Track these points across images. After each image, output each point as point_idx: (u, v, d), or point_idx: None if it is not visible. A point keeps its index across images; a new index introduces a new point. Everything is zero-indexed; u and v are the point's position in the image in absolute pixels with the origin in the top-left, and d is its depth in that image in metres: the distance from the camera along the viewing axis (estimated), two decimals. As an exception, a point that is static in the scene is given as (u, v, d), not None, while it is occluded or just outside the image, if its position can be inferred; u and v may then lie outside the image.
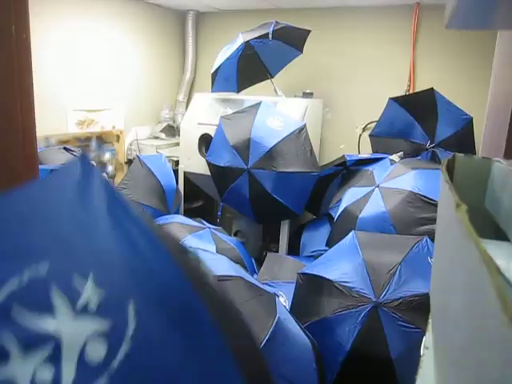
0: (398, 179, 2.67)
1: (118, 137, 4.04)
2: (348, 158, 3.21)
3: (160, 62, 4.45)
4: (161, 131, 4.36)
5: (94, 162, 3.47)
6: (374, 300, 1.92)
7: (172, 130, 4.46)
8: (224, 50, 3.64)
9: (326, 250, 2.54)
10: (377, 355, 1.86)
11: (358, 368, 1.92)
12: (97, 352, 0.51)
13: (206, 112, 3.71)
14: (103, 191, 0.63)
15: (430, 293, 0.62)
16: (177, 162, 3.91)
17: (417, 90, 3.56)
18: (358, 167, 3.15)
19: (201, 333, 0.58)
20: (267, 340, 1.55)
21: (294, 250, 3.42)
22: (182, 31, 4.62)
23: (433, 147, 3.04)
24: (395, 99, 3.18)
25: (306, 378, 1.74)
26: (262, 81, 3.73)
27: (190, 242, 2.77)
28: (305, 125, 3.18)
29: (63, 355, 0.49)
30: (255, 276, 2.70)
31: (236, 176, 3.10)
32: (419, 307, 1.84)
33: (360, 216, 2.60)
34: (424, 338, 0.58)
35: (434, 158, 3.02)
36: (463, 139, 2.99)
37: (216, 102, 3.77)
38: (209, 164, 3.32)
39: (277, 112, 3.36)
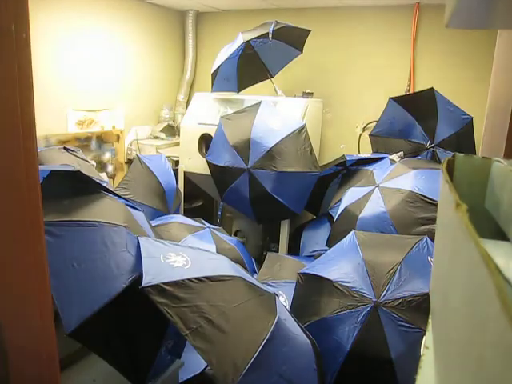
0: (398, 179, 2.66)
1: (117, 137, 4.04)
2: (348, 158, 3.21)
3: (160, 62, 4.45)
4: (161, 131, 4.36)
5: (93, 162, 3.47)
6: (374, 300, 1.92)
7: (172, 130, 4.46)
8: (224, 50, 3.64)
9: (325, 250, 2.54)
10: (377, 355, 1.86)
11: (357, 368, 1.92)
12: None
13: (206, 112, 3.71)
14: None
15: (429, 292, 0.62)
16: (177, 162, 3.91)
17: (417, 90, 3.56)
18: (358, 167, 3.15)
19: None
20: (267, 340, 1.55)
21: (294, 250, 3.42)
22: (182, 31, 4.62)
23: (433, 147, 3.04)
24: (395, 99, 3.18)
25: (306, 377, 1.74)
26: (262, 81, 3.73)
27: (190, 241, 2.77)
28: (305, 125, 3.18)
29: None
30: (255, 276, 2.70)
31: (236, 176, 3.10)
32: (419, 307, 1.84)
33: (360, 216, 2.60)
34: (424, 338, 0.58)
35: (434, 158, 3.02)
36: (463, 139, 2.99)
37: (216, 101, 3.77)
38: (209, 164, 3.32)
39: (277, 112, 3.36)
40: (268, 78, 3.68)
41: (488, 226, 0.51)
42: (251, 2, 3.95)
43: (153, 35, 4.32)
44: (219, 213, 3.98)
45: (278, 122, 3.18)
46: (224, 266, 1.78)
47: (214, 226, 3.17)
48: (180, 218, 3.15)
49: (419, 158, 3.06)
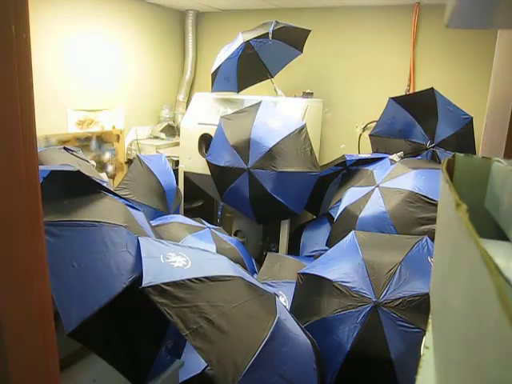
0: (398, 179, 2.66)
1: (117, 137, 4.04)
2: (348, 158, 3.21)
3: (160, 62, 4.45)
4: (161, 131, 4.37)
5: (93, 162, 3.47)
6: (374, 300, 1.92)
7: (172, 130, 4.46)
8: (224, 50, 3.64)
9: (325, 250, 2.54)
10: (377, 355, 1.86)
11: (358, 368, 1.92)
12: None
13: (206, 112, 3.71)
14: None
15: (429, 292, 0.62)
16: (177, 162, 3.91)
17: (417, 90, 3.56)
18: (358, 167, 3.15)
19: None
20: (267, 340, 1.55)
21: (293, 249, 3.42)
22: (182, 31, 4.62)
23: (433, 147, 3.04)
24: (395, 99, 3.18)
25: (306, 378, 1.74)
26: (261, 80, 3.73)
27: (190, 241, 2.77)
28: (305, 125, 3.18)
29: None
30: (255, 276, 2.70)
31: (236, 176, 3.10)
32: (419, 307, 1.84)
33: (360, 216, 2.60)
34: (424, 338, 0.58)
35: (434, 158, 3.02)
36: (463, 139, 2.99)
37: (216, 101, 3.77)
38: (209, 164, 3.32)
39: (277, 112, 3.36)
40: (268, 78, 3.68)
41: (488, 226, 0.51)
42: (251, 1, 3.95)
43: (153, 35, 4.32)
44: (219, 213, 3.98)
45: (278, 122, 3.18)
46: (224, 266, 1.78)
47: (214, 226, 3.17)
48: (180, 218, 3.15)
49: (419, 158, 3.06)
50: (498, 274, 0.25)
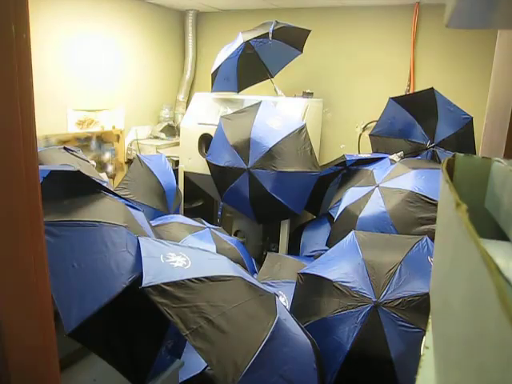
0: (398, 179, 2.66)
1: (117, 137, 4.04)
2: (348, 158, 3.21)
3: (160, 62, 4.45)
4: (161, 131, 4.36)
5: (93, 162, 3.47)
6: (374, 300, 1.92)
7: (172, 130, 4.46)
8: (224, 50, 3.64)
9: (325, 250, 2.54)
10: (377, 355, 1.86)
11: (358, 368, 1.92)
12: None
13: (206, 112, 3.71)
14: None
15: (429, 292, 0.62)
16: (177, 162, 3.91)
17: (417, 90, 3.56)
18: (358, 167, 3.15)
19: None
20: (267, 340, 1.55)
21: (293, 249, 3.42)
22: (182, 31, 4.62)
23: (433, 147, 3.04)
24: (395, 99, 3.18)
25: (306, 378, 1.74)
26: (261, 80, 3.73)
27: (190, 241, 2.77)
28: (305, 124, 3.18)
29: None
30: (255, 276, 2.70)
31: (236, 176, 3.10)
32: (419, 307, 1.84)
33: (360, 216, 2.60)
34: (424, 338, 0.58)
35: (434, 158, 3.02)
36: (463, 139, 2.99)
37: (216, 101, 3.77)
38: (209, 164, 3.32)
39: (277, 112, 3.36)
40: (268, 78, 3.68)
41: (488, 226, 0.51)
42: (251, 1, 3.95)
43: (153, 35, 4.32)
44: (219, 213, 3.98)
45: (278, 122, 3.18)
46: (224, 266, 1.78)
47: (214, 226, 3.17)
48: (180, 218, 3.15)
49: (419, 158, 3.06)
50: (498, 274, 0.25)
